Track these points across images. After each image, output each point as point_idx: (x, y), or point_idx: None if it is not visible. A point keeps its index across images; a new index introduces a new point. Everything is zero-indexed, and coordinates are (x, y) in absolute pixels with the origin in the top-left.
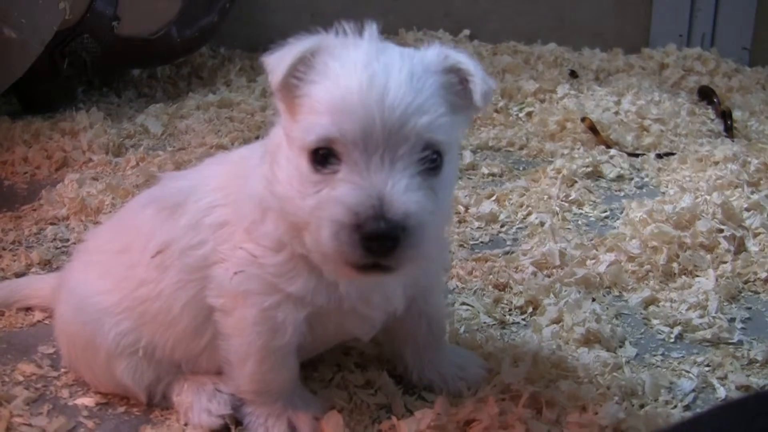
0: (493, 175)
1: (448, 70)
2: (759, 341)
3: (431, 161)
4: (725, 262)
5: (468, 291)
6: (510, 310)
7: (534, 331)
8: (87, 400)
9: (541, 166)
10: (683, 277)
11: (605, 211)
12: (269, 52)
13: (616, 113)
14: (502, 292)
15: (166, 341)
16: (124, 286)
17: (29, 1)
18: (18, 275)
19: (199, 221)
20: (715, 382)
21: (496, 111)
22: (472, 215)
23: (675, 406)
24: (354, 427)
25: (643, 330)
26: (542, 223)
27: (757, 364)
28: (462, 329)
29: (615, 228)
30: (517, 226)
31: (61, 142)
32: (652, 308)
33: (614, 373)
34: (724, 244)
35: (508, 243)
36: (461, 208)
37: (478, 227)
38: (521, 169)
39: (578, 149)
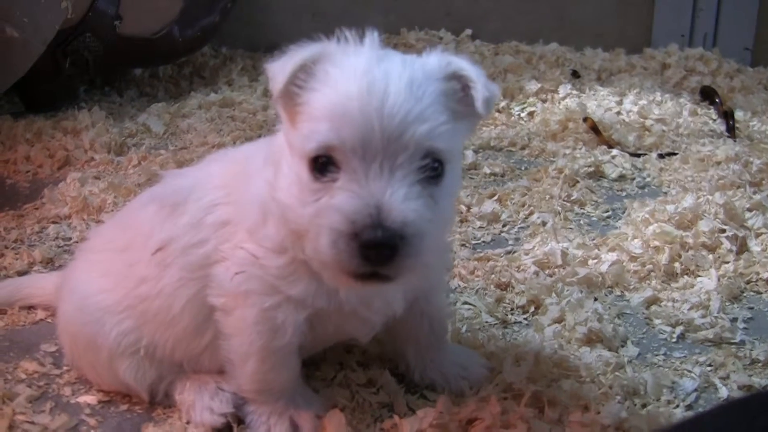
0: (495, 174)
1: (450, 76)
2: (761, 341)
3: (432, 169)
4: (727, 262)
5: (470, 290)
6: (512, 309)
7: (536, 331)
8: (89, 398)
9: (543, 166)
10: (685, 276)
11: (607, 211)
12: (272, 58)
13: (618, 113)
14: (504, 292)
15: (167, 340)
16: (125, 285)
17: (31, 0)
18: (20, 274)
19: (200, 219)
20: (717, 381)
21: (498, 111)
22: (474, 215)
23: (677, 406)
24: (356, 425)
25: (645, 330)
26: (544, 223)
27: (759, 364)
28: (464, 328)
29: (617, 228)
30: (519, 226)
31: (64, 141)
32: (654, 308)
33: (616, 373)
34: (726, 244)
35: (510, 242)
36: (463, 208)
37: (480, 227)
38: (523, 168)
39: (580, 149)
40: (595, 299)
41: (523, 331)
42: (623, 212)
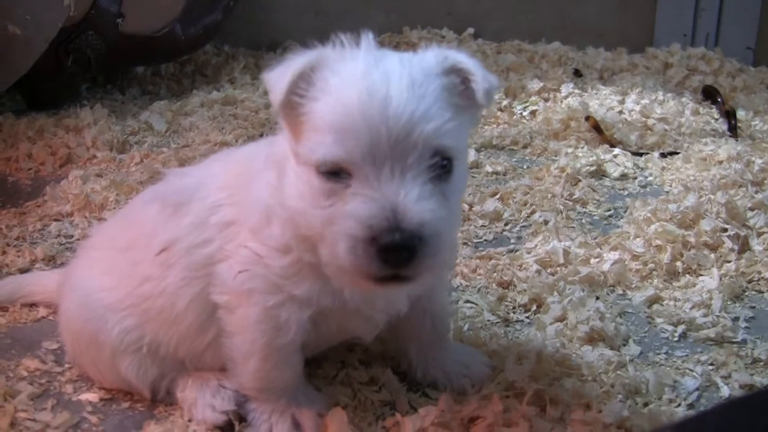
0: (497, 173)
1: (449, 71)
2: (763, 340)
3: (441, 167)
4: (729, 261)
5: (472, 289)
6: (514, 308)
7: (538, 329)
8: (91, 396)
9: (545, 165)
10: (687, 276)
11: (609, 210)
12: (268, 68)
13: (620, 112)
14: (506, 290)
15: (170, 338)
16: (128, 283)
17: None
18: (22, 271)
19: (204, 220)
20: (718, 380)
21: (500, 110)
22: (476, 213)
23: (679, 405)
24: (358, 423)
25: (646, 328)
26: (546, 222)
27: (761, 363)
28: (466, 327)
29: (619, 227)
30: (521, 225)
31: (66, 138)
32: (655, 307)
33: (618, 372)
34: (728, 244)
35: (512, 241)
36: (465, 206)
37: (482, 225)
38: (525, 167)
39: (582, 148)
40: (597, 298)
41: (525, 330)
42: (625, 211)
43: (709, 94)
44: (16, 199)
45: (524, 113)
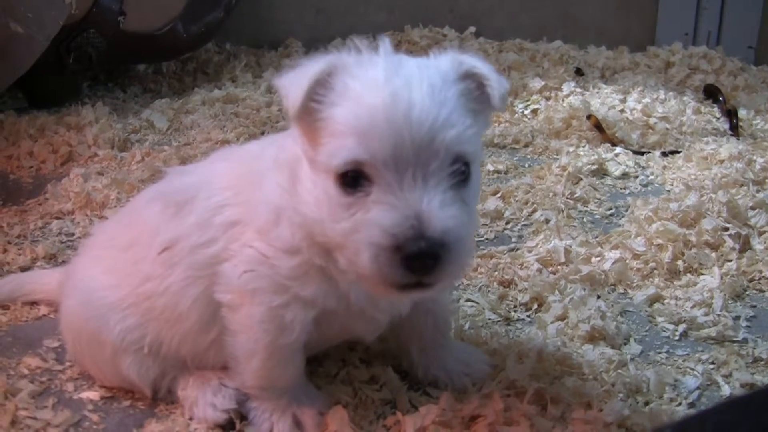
0: (499, 172)
1: (464, 76)
2: (764, 339)
3: (460, 173)
4: (730, 260)
5: (473, 287)
6: (515, 306)
7: (539, 328)
8: (92, 394)
9: (547, 164)
10: (688, 275)
11: (610, 209)
12: (279, 74)
13: (622, 111)
14: (507, 289)
15: (172, 337)
16: (130, 282)
17: None
18: (23, 269)
19: (208, 220)
20: (719, 379)
21: None
22: (478, 212)
23: (679, 404)
24: (359, 422)
25: (647, 327)
26: (547, 221)
27: (762, 362)
28: (467, 326)
29: (620, 225)
30: (523, 223)
31: (67, 136)
32: (656, 306)
33: (619, 370)
34: (729, 243)
35: (514, 240)
36: None
37: (483, 224)
38: (526, 166)
39: (583, 147)
40: (598, 297)
41: (526, 329)
42: (626, 210)
43: (711, 93)
44: (18, 197)
45: (526, 112)
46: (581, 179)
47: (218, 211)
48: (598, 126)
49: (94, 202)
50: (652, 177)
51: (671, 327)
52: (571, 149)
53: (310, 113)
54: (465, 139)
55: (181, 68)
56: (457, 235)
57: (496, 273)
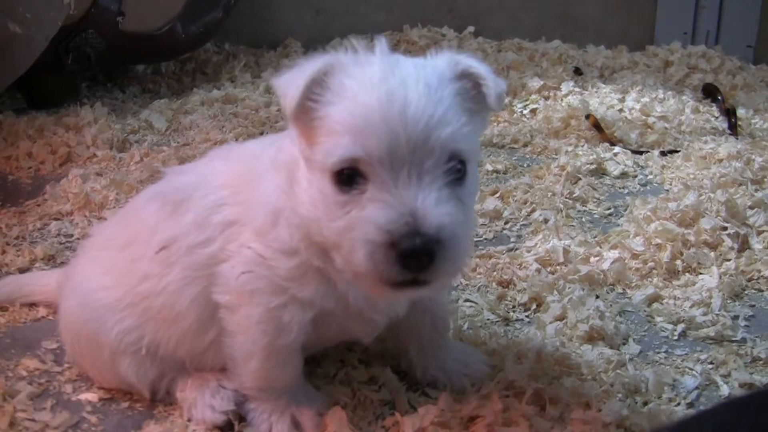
0: (498, 171)
1: (460, 76)
2: (762, 339)
3: (456, 171)
4: (729, 260)
5: (472, 288)
6: (514, 307)
7: (538, 328)
8: (90, 396)
9: (545, 163)
10: (687, 274)
11: (609, 209)
12: (277, 74)
13: (621, 110)
14: (506, 289)
15: (169, 338)
16: (127, 282)
17: None
18: (22, 270)
19: (205, 219)
20: (718, 379)
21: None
22: (476, 212)
23: (678, 404)
24: (357, 423)
25: (646, 327)
26: (546, 220)
27: (761, 362)
28: (466, 326)
29: (619, 225)
30: (521, 223)
31: (66, 137)
32: (655, 305)
33: (618, 371)
34: (728, 242)
35: (512, 240)
36: None
37: (482, 224)
38: (525, 166)
39: (582, 146)
40: (597, 297)
41: (524, 329)
42: (625, 210)
43: (710, 93)
44: (16, 198)
45: (524, 111)
46: (580, 179)
47: (216, 210)
48: (597, 125)
49: (93, 203)
50: (650, 176)
51: (670, 327)
52: (569, 149)
53: (306, 112)
54: (460, 137)
55: (179, 68)
56: (453, 232)
57: (495, 273)
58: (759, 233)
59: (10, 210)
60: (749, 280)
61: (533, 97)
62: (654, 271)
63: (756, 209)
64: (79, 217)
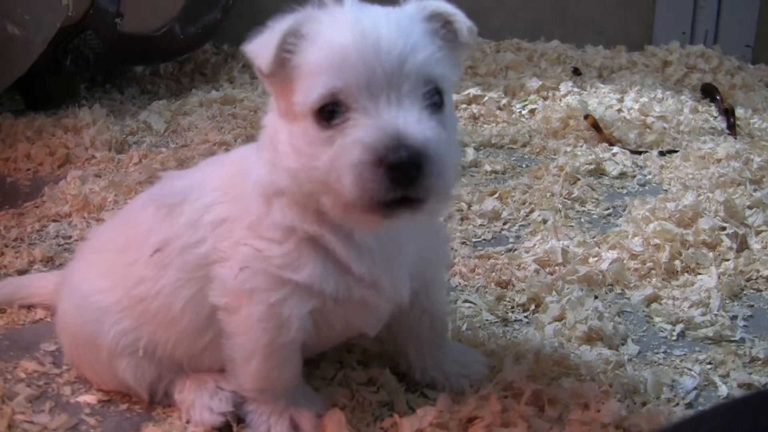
0: (496, 172)
1: (430, 17)
2: (761, 339)
3: (433, 96)
4: (727, 260)
5: (470, 288)
6: (512, 307)
7: (536, 329)
8: (89, 398)
9: (544, 164)
10: (685, 274)
11: (608, 209)
12: (247, 41)
13: (619, 110)
14: (505, 290)
15: (167, 340)
16: (124, 285)
17: None
18: (20, 272)
19: (198, 219)
20: (717, 380)
21: (499, 108)
22: (474, 212)
23: (677, 404)
24: (356, 424)
25: (645, 328)
26: (545, 221)
27: (759, 362)
28: (464, 327)
29: (617, 225)
30: (520, 224)
31: (64, 138)
32: (654, 306)
33: (616, 371)
34: (727, 242)
35: (511, 240)
36: (464, 206)
37: (480, 224)
38: (524, 166)
39: (581, 146)
40: (596, 297)
41: (523, 330)
42: (624, 210)
43: (708, 92)
44: (15, 200)
45: (523, 112)
46: (579, 179)
47: (207, 210)
48: (596, 126)
49: (92, 205)
50: (649, 176)
51: (669, 327)
52: (568, 149)
53: (283, 65)
54: (434, 62)
55: (178, 69)
56: (437, 147)
57: (494, 274)
58: (758, 233)
59: (9, 212)
60: (748, 280)
61: (532, 97)
62: (653, 272)
63: (755, 209)
64: (77, 218)
